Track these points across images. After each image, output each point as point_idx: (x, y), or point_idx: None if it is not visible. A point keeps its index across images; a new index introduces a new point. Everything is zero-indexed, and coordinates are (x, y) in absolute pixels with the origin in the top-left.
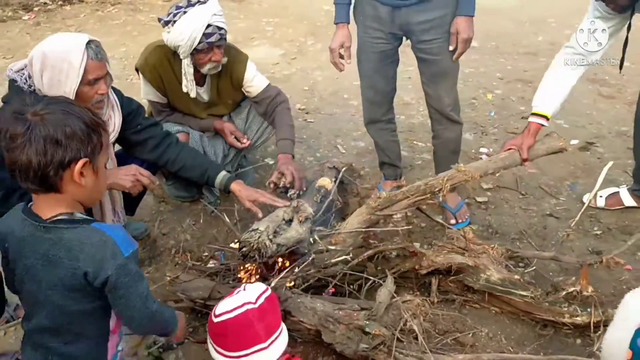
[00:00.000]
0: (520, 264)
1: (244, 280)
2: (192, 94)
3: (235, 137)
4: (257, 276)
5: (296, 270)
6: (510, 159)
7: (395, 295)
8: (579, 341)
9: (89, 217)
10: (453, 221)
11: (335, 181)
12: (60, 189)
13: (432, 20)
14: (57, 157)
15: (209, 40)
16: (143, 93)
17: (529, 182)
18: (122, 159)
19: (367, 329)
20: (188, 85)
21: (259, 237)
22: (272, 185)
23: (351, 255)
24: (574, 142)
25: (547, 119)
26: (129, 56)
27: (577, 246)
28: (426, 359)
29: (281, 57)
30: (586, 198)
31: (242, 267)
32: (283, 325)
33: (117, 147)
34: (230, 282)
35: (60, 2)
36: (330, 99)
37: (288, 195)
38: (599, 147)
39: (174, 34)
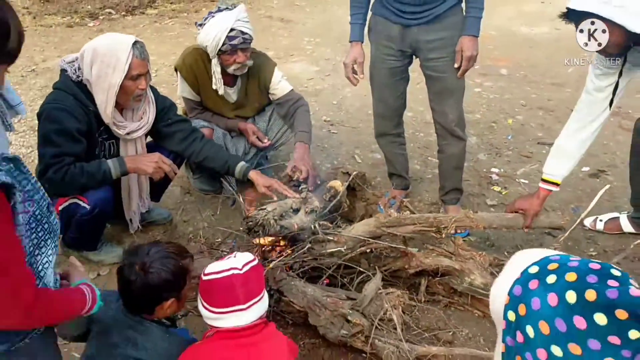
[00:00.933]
0: None
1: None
2: (220, 91)
3: (257, 137)
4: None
5: (294, 254)
6: (514, 221)
7: (381, 289)
8: None
9: None
10: (452, 231)
11: (345, 184)
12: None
13: (440, 40)
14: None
15: (232, 42)
16: (179, 90)
17: None
18: (152, 149)
19: (349, 317)
20: (217, 83)
21: (265, 215)
22: (286, 178)
23: (345, 247)
24: (585, 169)
25: (558, 185)
26: None
27: None
28: (402, 347)
29: (316, 73)
30: (587, 221)
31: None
32: (265, 294)
33: (149, 138)
34: None
35: (123, 13)
36: (356, 114)
37: (299, 189)
38: (609, 176)
39: (202, 35)
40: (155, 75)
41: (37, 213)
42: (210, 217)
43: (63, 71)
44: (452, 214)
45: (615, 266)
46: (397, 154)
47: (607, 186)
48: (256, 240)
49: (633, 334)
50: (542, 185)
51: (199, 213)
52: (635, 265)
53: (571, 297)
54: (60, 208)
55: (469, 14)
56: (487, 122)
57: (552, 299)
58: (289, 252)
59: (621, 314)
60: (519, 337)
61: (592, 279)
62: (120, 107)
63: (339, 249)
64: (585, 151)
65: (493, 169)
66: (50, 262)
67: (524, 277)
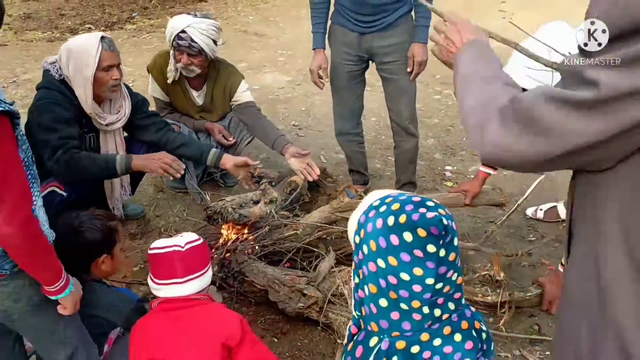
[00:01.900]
0: None
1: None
2: (170, 80)
3: (223, 136)
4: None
5: (255, 237)
6: (456, 199)
7: (334, 267)
8: (491, 319)
9: None
10: None
11: (305, 179)
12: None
13: (393, 45)
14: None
15: (179, 42)
16: (150, 90)
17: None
18: (128, 142)
19: (305, 291)
20: (170, 72)
21: (223, 204)
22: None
23: (302, 232)
24: None
25: (495, 168)
26: None
27: (510, 247)
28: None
29: (287, 82)
30: (529, 210)
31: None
32: (208, 272)
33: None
34: None
35: (102, 28)
36: (323, 119)
37: (260, 184)
38: (553, 173)
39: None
40: (132, 85)
41: (25, 160)
42: (181, 211)
43: (46, 72)
44: None
45: (431, 199)
46: (356, 152)
47: (542, 176)
48: (223, 231)
49: (430, 248)
50: (481, 168)
51: (171, 208)
52: (548, 249)
53: (390, 220)
54: None
55: (418, 23)
56: (444, 125)
57: (379, 222)
58: (250, 238)
59: (421, 232)
60: (360, 255)
61: (409, 207)
62: (98, 100)
63: (295, 232)
64: None
65: (447, 167)
66: (38, 204)
67: (368, 209)
